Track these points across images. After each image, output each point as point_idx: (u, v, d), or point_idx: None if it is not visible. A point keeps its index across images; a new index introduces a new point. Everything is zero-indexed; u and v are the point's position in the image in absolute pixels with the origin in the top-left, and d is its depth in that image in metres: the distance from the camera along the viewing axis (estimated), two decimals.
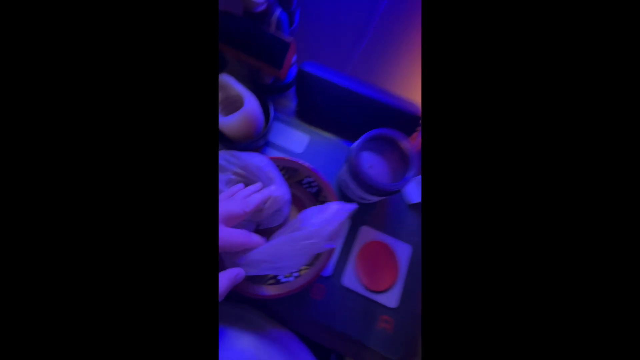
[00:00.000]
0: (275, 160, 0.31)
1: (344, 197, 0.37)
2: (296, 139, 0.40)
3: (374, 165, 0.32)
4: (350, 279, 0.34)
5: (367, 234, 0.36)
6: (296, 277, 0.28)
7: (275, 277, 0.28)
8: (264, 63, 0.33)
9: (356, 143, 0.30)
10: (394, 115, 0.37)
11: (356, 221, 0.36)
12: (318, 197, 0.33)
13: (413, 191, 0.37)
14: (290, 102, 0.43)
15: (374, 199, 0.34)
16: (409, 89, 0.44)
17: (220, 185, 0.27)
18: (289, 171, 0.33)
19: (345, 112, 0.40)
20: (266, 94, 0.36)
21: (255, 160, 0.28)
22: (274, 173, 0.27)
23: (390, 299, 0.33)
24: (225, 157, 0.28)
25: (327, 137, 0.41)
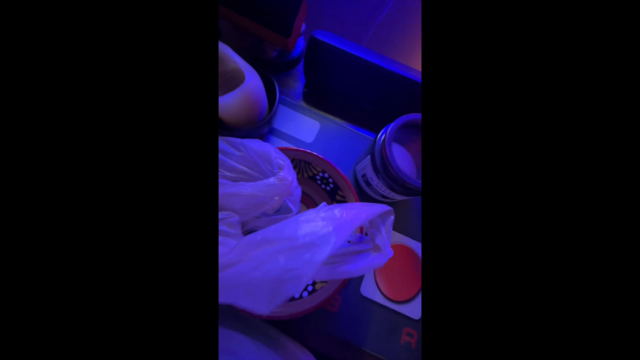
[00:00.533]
0: (283, 150, 0.25)
1: (361, 194, 0.32)
2: (305, 126, 0.34)
3: (397, 158, 0.27)
4: (370, 287, 0.29)
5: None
6: (310, 292, 0.24)
7: None
8: (269, 29, 0.26)
9: (387, 131, 0.24)
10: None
11: None
12: (334, 196, 0.28)
13: None
14: (296, 83, 0.37)
15: (398, 197, 0.29)
16: None
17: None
18: (300, 164, 0.27)
19: (363, 90, 0.34)
20: (269, 71, 0.30)
21: (259, 147, 0.22)
22: (284, 163, 0.21)
23: (414, 309, 0.29)
24: (220, 146, 0.22)
25: (340, 123, 0.35)
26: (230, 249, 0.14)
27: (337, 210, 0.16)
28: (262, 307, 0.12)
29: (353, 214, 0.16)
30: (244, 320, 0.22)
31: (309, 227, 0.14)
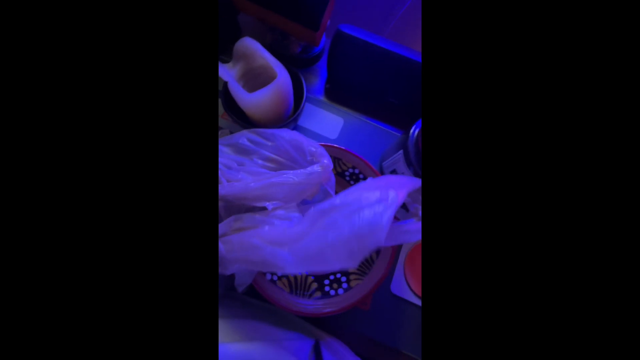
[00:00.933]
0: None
1: None
2: (328, 122, 0.34)
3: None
4: (400, 285, 0.29)
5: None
6: (346, 289, 0.23)
7: (319, 286, 0.23)
8: (298, 24, 0.26)
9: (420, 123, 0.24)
10: None
11: (404, 219, 0.31)
12: None
13: None
14: (317, 79, 0.37)
15: None
16: None
17: (242, 175, 0.20)
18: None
19: (388, 84, 0.33)
20: (295, 66, 0.30)
21: (290, 136, 0.21)
22: (316, 150, 0.21)
23: None
24: (248, 136, 0.22)
25: (364, 119, 0.35)
26: (298, 221, 0.14)
27: (387, 179, 0.16)
28: (349, 262, 0.12)
29: (402, 182, 0.16)
30: (284, 317, 0.22)
31: (369, 192, 0.14)
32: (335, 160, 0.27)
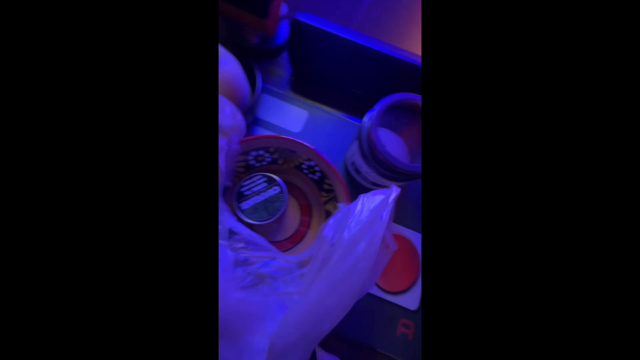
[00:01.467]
0: (266, 139, 0.24)
1: (353, 184, 0.31)
2: (292, 116, 0.33)
3: (387, 144, 0.25)
4: None
5: None
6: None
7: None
8: (245, 11, 0.25)
9: (372, 112, 0.23)
10: (417, 77, 0.30)
11: None
12: (322, 185, 0.27)
13: None
14: (282, 71, 0.36)
15: (390, 183, 0.27)
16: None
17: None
18: (284, 153, 0.26)
19: (352, 75, 0.32)
20: (251, 59, 0.29)
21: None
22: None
23: (411, 300, 0.28)
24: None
25: (329, 111, 0.34)
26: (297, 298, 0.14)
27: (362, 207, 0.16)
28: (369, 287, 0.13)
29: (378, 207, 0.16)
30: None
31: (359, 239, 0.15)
32: (292, 153, 0.26)
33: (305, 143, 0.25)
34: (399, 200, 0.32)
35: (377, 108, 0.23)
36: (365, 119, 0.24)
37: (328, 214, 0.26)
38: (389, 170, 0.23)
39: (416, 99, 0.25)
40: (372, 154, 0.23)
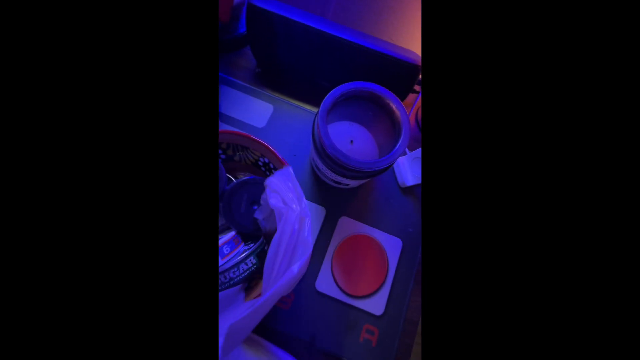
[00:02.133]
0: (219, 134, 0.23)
1: (316, 182, 0.29)
2: (256, 110, 0.31)
3: (356, 138, 0.24)
4: (326, 282, 0.27)
5: (347, 226, 0.28)
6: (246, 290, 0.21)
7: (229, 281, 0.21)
8: None
9: (322, 104, 0.21)
10: (388, 68, 0.27)
11: (333, 210, 0.29)
12: None
13: (406, 170, 0.29)
14: (247, 63, 0.34)
15: (353, 183, 0.26)
16: (407, 40, 0.34)
17: None
18: (237, 149, 0.25)
19: (316, 65, 0.30)
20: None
21: None
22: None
23: (376, 305, 0.27)
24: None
25: (297, 105, 0.32)
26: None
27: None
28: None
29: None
30: None
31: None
32: (244, 149, 0.25)
33: (257, 138, 0.23)
34: (363, 199, 0.31)
35: (326, 100, 0.21)
36: (315, 119, 0.23)
37: None
38: (342, 168, 0.21)
39: (375, 89, 0.23)
40: (323, 150, 0.21)
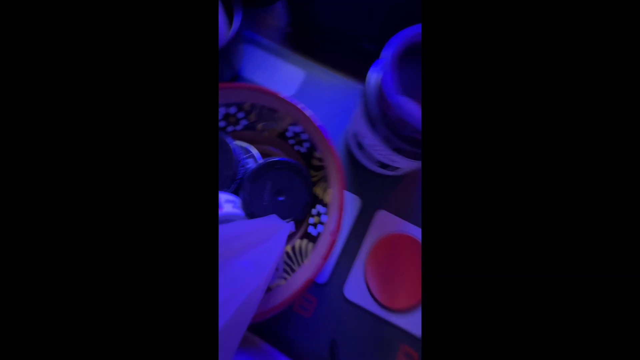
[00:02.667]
0: (238, 90, 0.18)
1: (354, 166, 0.24)
2: (285, 75, 0.26)
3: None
4: (357, 289, 0.22)
5: (386, 222, 0.23)
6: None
7: None
8: None
9: (384, 57, 0.15)
10: None
11: (370, 202, 0.23)
12: (310, 161, 0.20)
13: None
14: (277, 21, 0.29)
15: (403, 164, 0.20)
16: None
17: None
18: (262, 113, 0.20)
19: (363, 24, 0.25)
20: (249, 4, 0.22)
21: None
22: None
23: (417, 322, 0.22)
24: None
25: (332, 74, 0.27)
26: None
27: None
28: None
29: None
30: None
31: None
32: (271, 112, 0.19)
33: (290, 99, 0.18)
34: (408, 192, 0.25)
35: (392, 47, 0.15)
36: (372, 69, 0.17)
37: (315, 200, 0.19)
38: (404, 137, 0.16)
39: None
40: (382, 112, 0.16)
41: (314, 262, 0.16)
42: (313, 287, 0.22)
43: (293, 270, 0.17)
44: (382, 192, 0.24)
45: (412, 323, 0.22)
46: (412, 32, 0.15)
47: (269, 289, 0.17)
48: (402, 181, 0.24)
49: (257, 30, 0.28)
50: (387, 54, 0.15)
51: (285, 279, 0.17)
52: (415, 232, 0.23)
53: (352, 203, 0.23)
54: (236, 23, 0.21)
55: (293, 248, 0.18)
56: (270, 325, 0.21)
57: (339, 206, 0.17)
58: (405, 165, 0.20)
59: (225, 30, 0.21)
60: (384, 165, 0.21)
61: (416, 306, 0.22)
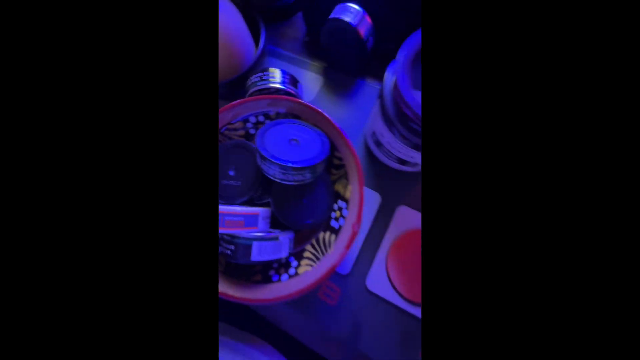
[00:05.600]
0: (264, 100, 0.20)
1: (373, 164, 0.25)
2: (305, 82, 0.28)
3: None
4: (379, 281, 0.23)
5: (407, 217, 0.24)
6: (292, 275, 0.18)
7: (264, 270, 0.19)
8: None
9: (404, 50, 0.16)
10: None
11: (390, 198, 0.24)
12: (331, 160, 0.21)
13: None
14: (296, 33, 0.31)
15: (420, 159, 0.21)
16: None
17: None
18: (287, 119, 0.22)
19: (379, 25, 0.26)
20: (258, 15, 0.25)
21: None
22: None
23: None
24: None
25: (349, 77, 0.28)
26: None
27: None
28: None
29: None
30: None
31: None
32: (294, 118, 0.22)
33: (311, 104, 0.20)
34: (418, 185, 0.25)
35: (406, 47, 0.16)
36: (388, 70, 0.18)
37: (337, 196, 0.20)
38: (420, 133, 0.17)
39: None
40: (398, 111, 0.17)
41: (337, 250, 0.18)
42: (337, 277, 0.23)
43: (318, 259, 0.19)
44: (402, 188, 0.24)
45: None
46: None
47: (296, 274, 0.18)
48: (418, 178, 0.24)
49: (278, 43, 0.31)
50: (402, 54, 0.16)
51: (311, 266, 0.18)
52: None
53: (373, 199, 0.24)
54: (262, 40, 0.24)
55: (317, 240, 0.20)
56: (299, 311, 0.23)
57: (359, 200, 0.18)
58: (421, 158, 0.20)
59: (253, 49, 0.24)
60: (402, 162, 0.21)
61: None
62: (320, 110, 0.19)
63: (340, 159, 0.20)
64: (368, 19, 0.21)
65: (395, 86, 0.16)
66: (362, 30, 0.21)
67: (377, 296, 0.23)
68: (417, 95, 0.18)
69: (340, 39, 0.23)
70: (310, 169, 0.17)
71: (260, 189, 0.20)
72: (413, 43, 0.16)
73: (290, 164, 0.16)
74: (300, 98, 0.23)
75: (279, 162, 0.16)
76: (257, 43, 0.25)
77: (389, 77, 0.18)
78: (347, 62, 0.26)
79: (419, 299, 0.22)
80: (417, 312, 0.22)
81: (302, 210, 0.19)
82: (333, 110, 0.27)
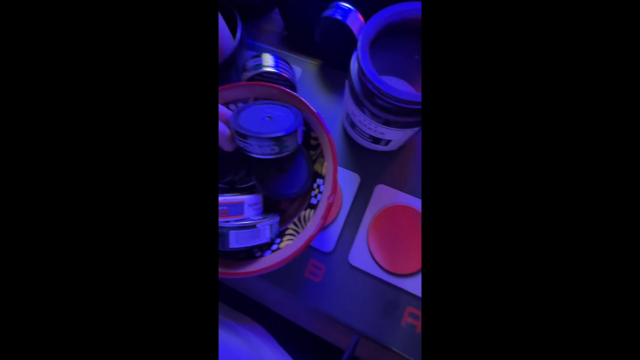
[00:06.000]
0: (243, 87, 0.21)
1: (348, 144, 0.26)
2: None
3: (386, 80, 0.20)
4: (361, 256, 0.24)
5: (385, 195, 0.25)
6: (274, 250, 0.19)
7: (250, 251, 0.20)
8: None
9: (364, 31, 0.18)
10: None
11: (368, 178, 0.25)
12: (308, 141, 0.23)
13: None
14: (275, 27, 0.32)
15: (393, 134, 0.22)
16: None
17: None
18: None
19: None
20: (237, 11, 0.26)
21: None
22: None
23: (418, 284, 0.23)
24: None
25: (326, 68, 0.29)
26: None
27: None
28: None
29: None
30: None
31: None
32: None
33: (286, 89, 0.21)
34: (404, 165, 0.27)
35: (366, 28, 0.18)
36: (353, 54, 0.19)
37: (316, 175, 0.22)
38: (386, 108, 0.18)
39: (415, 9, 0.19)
40: (364, 88, 0.18)
41: (315, 222, 0.19)
42: (321, 255, 0.24)
43: (299, 233, 0.20)
44: (378, 168, 0.26)
45: (415, 286, 0.23)
46: (383, 15, 0.18)
47: (278, 248, 0.19)
48: (396, 157, 0.26)
49: (257, 37, 0.32)
50: (363, 34, 0.17)
51: (292, 240, 0.19)
52: (413, 201, 0.25)
53: (352, 180, 0.25)
54: (238, 34, 0.25)
55: (299, 218, 0.21)
56: (286, 290, 0.24)
57: (333, 175, 0.19)
58: (395, 136, 0.21)
59: (231, 40, 0.25)
60: (376, 140, 0.23)
61: (418, 271, 0.23)
62: (295, 94, 0.21)
63: (316, 139, 0.21)
64: (360, 17, 0.23)
65: (359, 65, 0.18)
66: (354, 27, 0.23)
67: (359, 270, 0.24)
68: (385, 79, 0.20)
69: (334, 36, 0.24)
70: (285, 138, 0.18)
71: (242, 172, 0.21)
72: (373, 23, 0.18)
73: (264, 135, 0.17)
74: (294, 81, 0.24)
75: (254, 135, 0.17)
76: (234, 36, 0.27)
77: (354, 60, 0.19)
78: (342, 59, 0.27)
79: (398, 271, 0.23)
80: (397, 282, 0.23)
81: (283, 181, 0.20)
82: (311, 98, 0.29)
